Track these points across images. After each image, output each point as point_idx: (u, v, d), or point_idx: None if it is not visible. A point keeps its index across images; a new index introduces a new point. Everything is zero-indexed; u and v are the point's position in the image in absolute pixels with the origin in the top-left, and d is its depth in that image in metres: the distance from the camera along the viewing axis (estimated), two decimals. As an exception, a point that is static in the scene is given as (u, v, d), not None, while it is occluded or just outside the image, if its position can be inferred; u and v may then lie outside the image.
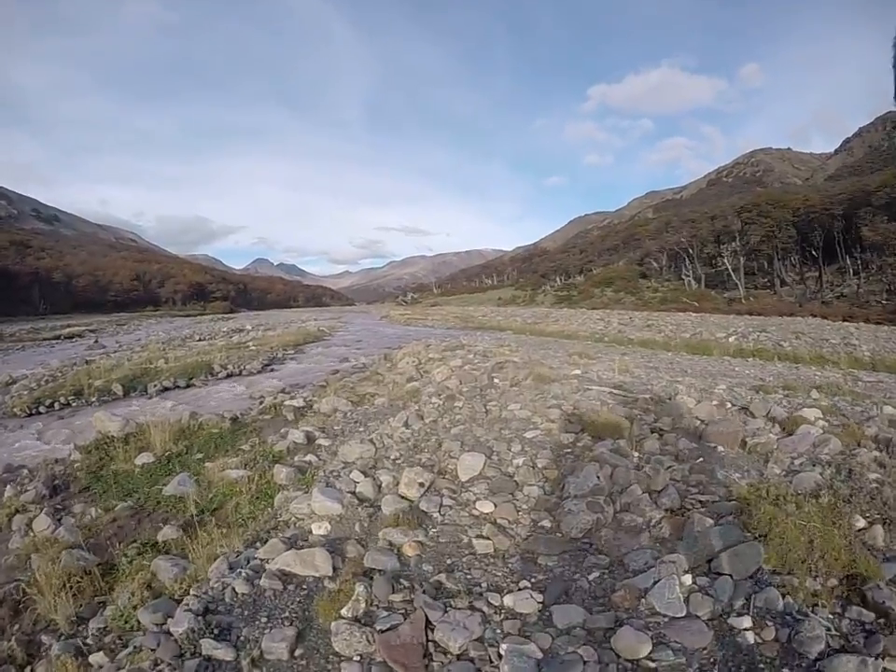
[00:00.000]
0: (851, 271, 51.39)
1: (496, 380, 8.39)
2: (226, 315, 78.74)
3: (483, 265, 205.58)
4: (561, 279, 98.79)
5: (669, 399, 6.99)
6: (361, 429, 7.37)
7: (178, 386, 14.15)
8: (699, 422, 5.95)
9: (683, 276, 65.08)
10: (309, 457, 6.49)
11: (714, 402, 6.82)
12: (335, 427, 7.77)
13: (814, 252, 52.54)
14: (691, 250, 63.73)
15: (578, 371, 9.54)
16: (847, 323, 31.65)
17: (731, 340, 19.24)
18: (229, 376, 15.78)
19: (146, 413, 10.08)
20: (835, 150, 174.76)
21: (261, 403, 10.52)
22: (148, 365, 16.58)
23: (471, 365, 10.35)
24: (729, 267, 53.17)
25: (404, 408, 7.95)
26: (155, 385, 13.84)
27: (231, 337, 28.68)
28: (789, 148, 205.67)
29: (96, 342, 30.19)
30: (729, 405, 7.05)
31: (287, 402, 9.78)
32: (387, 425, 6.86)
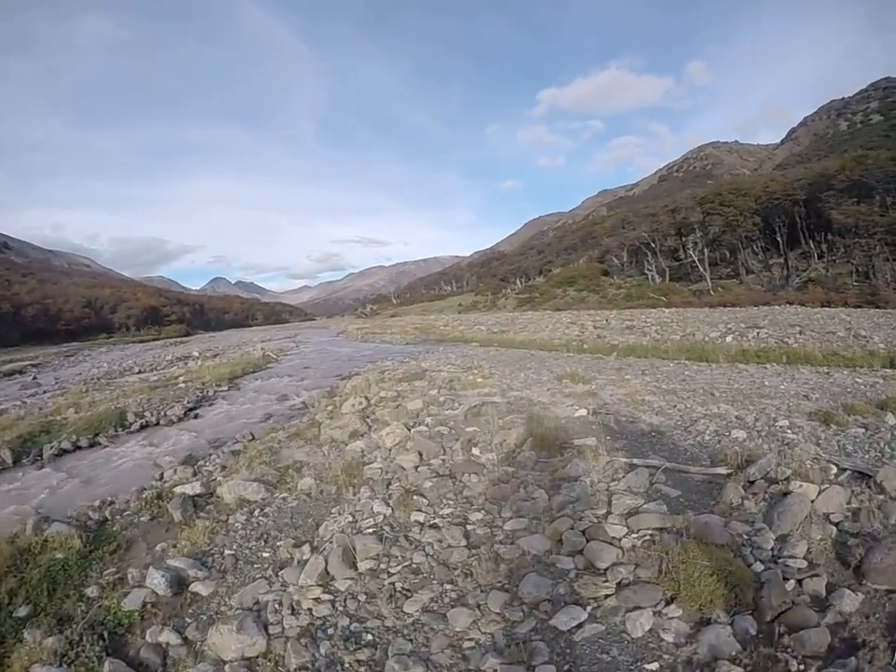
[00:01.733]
0: (815, 255, 50.87)
1: (475, 449, 5.53)
2: (180, 339, 74.98)
3: (442, 272, 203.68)
4: (521, 281, 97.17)
5: (772, 480, 4.16)
6: (262, 563, 4.47)
7: (80, 447, 11.13)
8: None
9: (646, 271, 63.80)
10: (165, 637, 3.61)
11: (831, 477, 4.11)
12: (227, 551, 4.78)
13: (778, 238, 51.73)
14: (653, 244, 62.48)
15: (582, 411, 6.77)
16: (828, 309, 30.15)
17: (728, 340, 16.94)
18: (143, 427, 12.67)
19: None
20: (782, 140, 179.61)
21: (158, 481, 7.57)
22: (56, 416, 13.47)
23: (436, 411, 7.53)
24: (695, 258, 51.91)
25: (336, 499, 5.14)
26: (52, 447, 10.75)
27: (171, 367, 25.90)
28: (736, 141, 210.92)
29: (34, 379, 27.27)
30: (834, 469, 4.38)
31: (178, 489, 6.68)
32: (298, 568, 4.00)
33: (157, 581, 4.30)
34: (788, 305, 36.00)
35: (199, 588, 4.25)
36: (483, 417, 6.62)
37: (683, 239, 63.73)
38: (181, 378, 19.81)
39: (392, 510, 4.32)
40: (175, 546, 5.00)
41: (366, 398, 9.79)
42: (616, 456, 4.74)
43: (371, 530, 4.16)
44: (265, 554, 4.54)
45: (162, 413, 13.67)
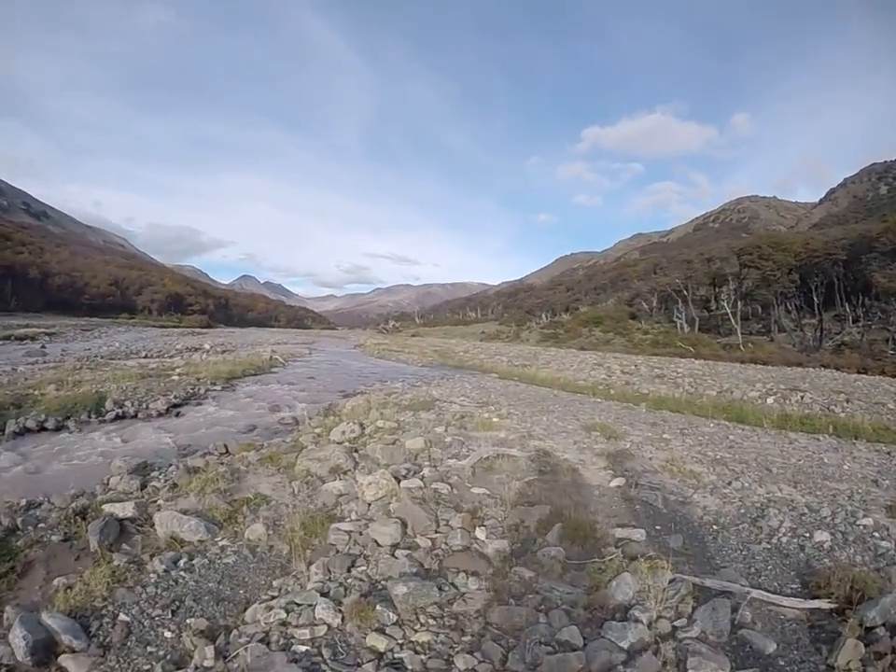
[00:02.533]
0: (850, 319, 48.90)
1: (480, 530, 4.18)
2: (199, 330, 75.51)
3: (468, 298, 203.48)
4: (547, 316, 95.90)
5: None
6: (158, 648, 3.12)
7: (45, 428, 10.30)
8: None
9: (675, 318, 61.98)
10: None
11: None
12: (122, 616, 3.40)
13: (815, 298, 49.82)
14: (685, 292, 60.78)
15: (619, 480, 5.46)
16: (866, 377, 28.28)
17: (770, 402, 15.37)
18: (119, 417, 11.73)
19: None
20: (820, 200, 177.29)
21: (103, 486, 6.47)
22: (34, 391, 12.80)
23: (439, 455, 6.30)
24: (728, 310, 50.01)
25: (284, 567, 3.91)
26: (16, 424, 10.02)
27: (177, 356, 25.52)
28: (774, 197, 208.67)
29: (42, 347, 27.74)
30: None
31: (108, 507, 5.49)
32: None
33: (18, 642, 3.08)
34: (822, 368, 34.12)
35: (69, 664, 2.99)
36: (497, 475, 5.34)
37: (716, 290, 62.00)
38: (178, 370, 18.92)
39: (343, 619, 2.99)
40: (67, 589, 3.75)
41: (361, 424, 8.55)
42: (680, 570, 3.36)
43: (302, 648, 2.79)
44: (167, 634, 3.25)
45: (144, 406, 12.72)
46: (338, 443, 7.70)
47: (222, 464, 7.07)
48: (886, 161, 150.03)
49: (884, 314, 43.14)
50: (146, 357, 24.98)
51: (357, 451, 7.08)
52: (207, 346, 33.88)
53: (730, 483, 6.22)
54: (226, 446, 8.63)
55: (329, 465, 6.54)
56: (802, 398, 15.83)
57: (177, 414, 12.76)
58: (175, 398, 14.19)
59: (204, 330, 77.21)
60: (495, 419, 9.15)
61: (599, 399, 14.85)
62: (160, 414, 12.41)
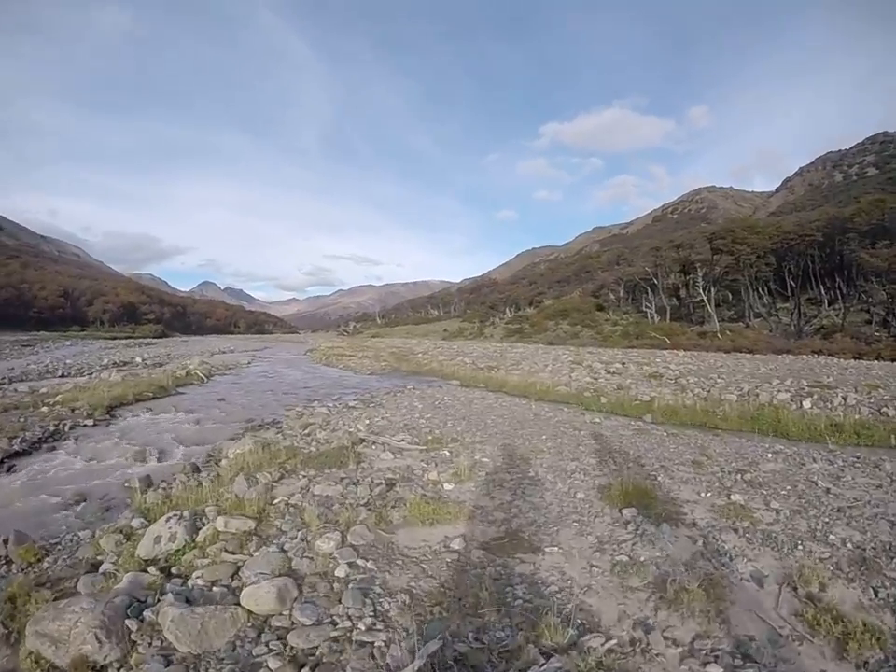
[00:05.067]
0: (826, 301, 47.10)
1: None
2: (150, 341, 71.86)
3: (430, 296, 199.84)
4: (511, 311, 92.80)
5: None
6: None
7: None
8: None
9: (645, 308, 59.38)
10: None
11: None
12: None
13: (791, 282, 47.74)
14: (655, 280, 58.13)
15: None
16: (867, 362, 25.68)
17: (807, 405, 11.95)
18: None
19: None
20: (776, 189, 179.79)
21: None
22: None
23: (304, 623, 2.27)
24: (704, 297, 47.42)
25: None
26: None
27: (101, 372, 21.99)
28: (731, 187, 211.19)
29: None
30: None
31: None
32: None
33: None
34: (815, 355, 31.53)
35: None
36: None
37: (686, 277, 59.60)
38: (60, 396, 14.64)
39: None
40: None
41: (196, 520, 4.57)
42: None
43: None
44: None
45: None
46: (140, 569, 3.74)
47: None
48: (840, 150, 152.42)
49: (865, 294, 41.16)
50: (62, 375, 21.72)
51: (142, 615, 3.12)
52: (139, 360, 30.18)
53: None
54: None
55: (72, 655, 2.64)
56: (844, 399, 12.43)
57: (10, 469, 8.67)
58: (24, 441, 10.23)
59: (156, 340, 73.77)
60: (447, 487, 5.31)
61: (594, 416, 11.04)
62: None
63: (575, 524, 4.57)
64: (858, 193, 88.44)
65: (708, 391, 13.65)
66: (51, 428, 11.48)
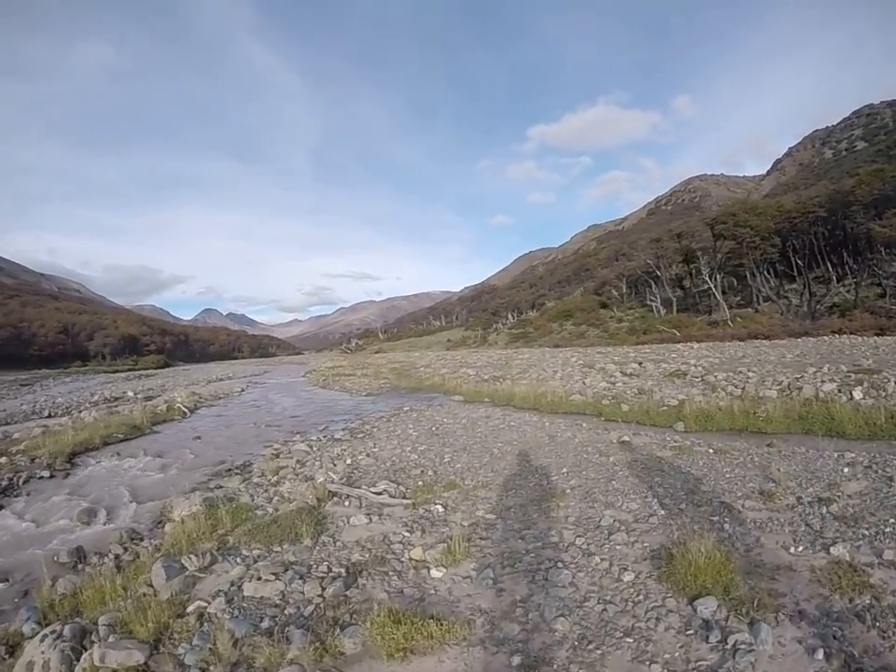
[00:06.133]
0: (835, 278, 45.47)
1: None
2: (151, 372, 71.31)
3: (432, 307, 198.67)
4: (513, 315, 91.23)
5: None
6: None
7: None
8: None
9: (650, 301, 57.65)
10: None
11: None
12: None
13: (798, 261, 46.07)
14: (658, 272, 56.46)
15: None
16: (890, 338, 24.17)
17: (857, 396, 10.32)
18: None
19: None
20: (767, 171, 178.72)
21: None
22: None
23: None
24: (711, 285, 45.73)
25: None
26: None
27: (87, 411, 20.64)
28: (722, 174, 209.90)
29: None
30: None
31: None
32: None
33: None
34: (836, 335, 29.86)
35: None
36: None
37: (690, 266, 57.95)
38: (25, 443, 13.35)
39: None
40: None
41: (95, 633, 3.02)
42: None
43: None
44: None
45: None
46: None
47: None
48: (827, 127, 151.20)
49: (875, 267, 39.49)
50: (48, 416, 20.86)
51: None
52: (131, 394, 28.99)
53: None
54: None
55: None
56: (900, 385, 10.79)
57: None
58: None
59: (156, 371, 72.75)
60: (435, 574, 3.70)
61: (620, 432, 9.41)
62: None
63: (628, 639, 2.96)
64: (850, 168, 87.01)
65: (742, 388, 12.01)
66: (3, 483, 10.14)
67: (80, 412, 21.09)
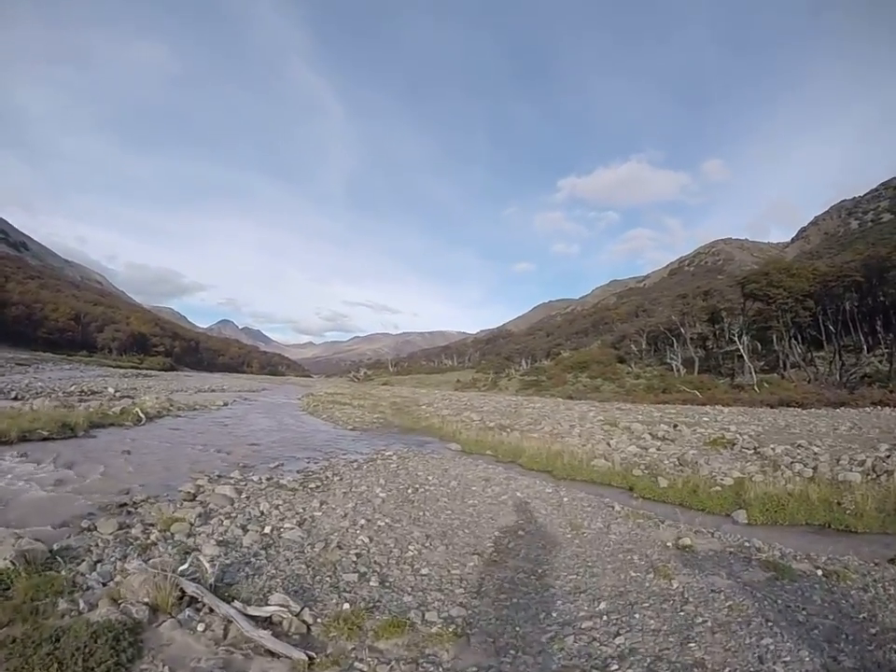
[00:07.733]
0: (865, 347, 42.77)
1: None
2: (151, 373, 68.29)
3: (445, 346, 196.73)
4: (527, 362, 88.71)
5: None
6: None
7: None
8: None
9: (670, 360, 54.95)
10: None
11: None
12: None
13: (830, 327, 43.50)
14: (682, 329, 53.91)
15: None
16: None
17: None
18: None
19: None
20: (792, 239, 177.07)
21: None
22: None
23: None
24: (740, 346, 43.03)
25: None
26: None
27: (33, 400, 19.18)
28: (747, 239, 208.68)
29: None
30: None
31: None
32: None
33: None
34: (878, 407, 26.98)
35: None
36: None
37: (715, 326, 55.43)
38: None
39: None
40: None
41: None
42: None
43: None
44: None
45: None
46: None
47: None
48: (854, 198, 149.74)
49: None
50: (15, 398, 20.53)
51: None
52: (111, 390, 27.30)
53: None
54: None
55: None
56: None
57: None
58: None
59: (158, 373, 70.53)
60: None
61: (677, 530, 6.84)
62: None
63: None
64: (874, 240, 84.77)
65: (815, 467, 9.45)
66: None
67: (37, 398, 19.69)
